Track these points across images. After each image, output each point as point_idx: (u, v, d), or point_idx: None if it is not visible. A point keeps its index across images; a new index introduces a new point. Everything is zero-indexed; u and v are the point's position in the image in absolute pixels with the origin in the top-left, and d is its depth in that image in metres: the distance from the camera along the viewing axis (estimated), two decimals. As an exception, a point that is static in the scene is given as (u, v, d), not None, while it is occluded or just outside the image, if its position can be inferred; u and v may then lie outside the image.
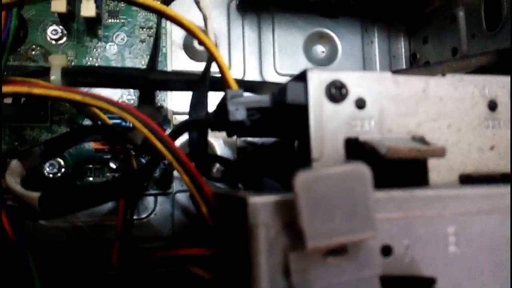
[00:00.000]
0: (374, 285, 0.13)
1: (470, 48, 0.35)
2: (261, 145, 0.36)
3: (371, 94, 0.18)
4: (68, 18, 0.35)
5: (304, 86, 0.18)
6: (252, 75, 0.40)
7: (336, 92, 0.18)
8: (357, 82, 0.18)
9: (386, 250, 0.14)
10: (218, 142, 0.36)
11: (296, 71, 0.42)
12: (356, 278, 0.13)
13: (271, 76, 0.41)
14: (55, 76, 0.28)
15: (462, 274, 0.14)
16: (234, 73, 0.40)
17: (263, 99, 0.20)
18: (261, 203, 0.13)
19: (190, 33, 0.22)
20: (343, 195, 0.12)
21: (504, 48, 0.27)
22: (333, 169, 0.12)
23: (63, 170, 0.33)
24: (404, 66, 0.45)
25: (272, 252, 0.13)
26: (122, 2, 0.35)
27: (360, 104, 0.18)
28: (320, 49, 0.43)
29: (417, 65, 0.44)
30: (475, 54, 0.25)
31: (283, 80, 0.41)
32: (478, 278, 0.14)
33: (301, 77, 0.19)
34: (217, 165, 0.34)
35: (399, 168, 0.18)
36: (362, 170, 0.13)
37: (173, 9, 0.37)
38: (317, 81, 0.18)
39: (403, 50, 0.45)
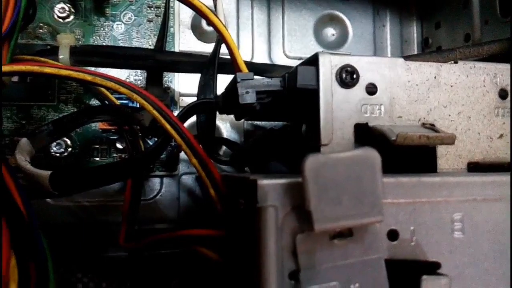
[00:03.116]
0: (380, 268, 0.14)
1: (483, 35, 0.35)
2: (269, 128, 0.36)
3: (383, 79, 0.18)
4: (76, -4, 0.35)
5: (315, 70, 0.18)
6: (261, 58, 0.40)
7: (347, 77, 0.18)
8: (368, 67, 0.18)
9: (392, 234, 0.14)
10: (225, 125, 0.37)
11: (305, 54, 0.42)
12: (362, 261, 0.13)
13: (280, 59, 0.40)
14: (63, 55, 0.28)
15: (466, 260, 0.14)
16: (242, 56, 0.40)
17: (273, 83, 0.20)
18: (270, 186, 0.13)
19: (200, 13, 0.21)
20: (351, 179, 0.12)
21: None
22: (342, 153, 0.12)
23: (69, 149, 0.33)
24: (415, 51, 0.44)
25: (280, 234, 0.13)
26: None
27: (371, 89, 0.18)
28: (330, 32, 0.42)
29: (428, 50, 0.43)
30: (487, 41, 0.24)
31: (291, 63, 0.40)
32: (481, 265, 0.15)
33: (312, 61, 0.18)
34: (223, 148, 0.34)
35: (408, 155, 0.18)
36: (372, 154, 0.13)
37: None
38: (328, 65, 0.18)
39: (415, 35, 0.44)
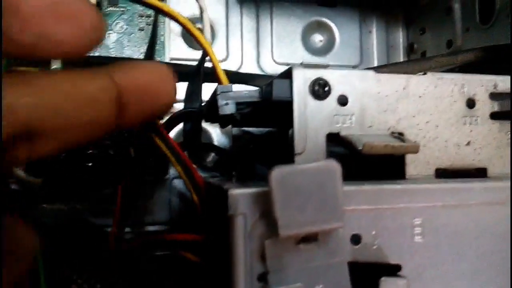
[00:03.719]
0: (343, 270, 0.15)
1: (464, 42, 0.36)
2: (256, 133, 0.37)
3: (353, 91, 0.19)
4: (69, 6, 0.36)
5: (289, 83, 0.19)
6: (250, 64, 0.41)
7: (320, 89, 0.19)
8: (340, 80, 0.19)
9: (355, 239, 0.15)
10: (214, 129, 0.38)
11: (293, 60, 0.43)
12: (326, 264, 0.14)
13: (269, 65, 0.41)
14: (56, 65, 0.29)
15: (425, 262, 0.16)
16: (232, 62, 0.41)
17: (252, 94, 0.21)
18: (240, 195, 0.14)
19: (186, 29, 0.22)
20: (314, 188, 0.13)
21: (490, 45, 0.27)
22: (305, 165, 0.14)
23: (62, 155, 0.34)
24: (401, 56, 0.45)
25: (250, 240, 0.14)
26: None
27: (342, 101, 0.19)
28: (318, 38, 0.43)
29: (414, 55, 0.44)
30: (462, 50, 0.25)
31: (280, 68, 0.42)
32: (440, 266, 0.16)
33: (287, 74, 0.19)
34: (212, 153, 0.35)
35: (378, 162, 0.19)
36: (333, 166, 0.14)
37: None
38: (302, 78, 0.19)
39: (401, 40, 0.45)
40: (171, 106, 0.16)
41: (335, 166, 0.14)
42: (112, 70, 0.14)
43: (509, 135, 0.21)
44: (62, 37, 0.12)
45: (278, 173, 0.13)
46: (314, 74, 0.19)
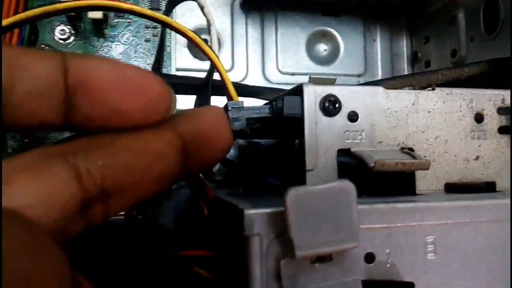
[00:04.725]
0: (357, 288, 0.15)
1: (468, 51, 0.36)
2: (263, 144, 0.37)
3: (363, 107, 0.20)
4: (76, 18, 0.36)
5: (300, 100, 0.19)
6: (255, 74, 0.41)
7: (330, 106, 0.19)
8: (350, 96, 0.20)
9: (369, 257, 0.15)
10: (220, 140, 0.38)
11: (298, 69, 0.43)
12: (341, 282, 0.15)
13: (274, 75, 0.42)
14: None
15: (438, 280, 0.16)
16: (237, 72, 0.41)
17: (262, 110, 0.21)
18: (256, 215, 0.14)
19: (194, 43, 0.23)
20: (329, 209, 0.14)
21: (496, 57, 0.27)
22: (320, 186, 0.14)
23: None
24: (405, 65, 0.45)
25: (265, 260, 0.14)
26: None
27: (353, 117, 0.19)
28: (322, 48, 0.43)
29: (418, 64, 0.44)
30: (468, 63, 0.26)
31: (285, 78, 0.42)
32: (452, 283, 0.16)
33: (297, 91, 0.20)
34: (218, 164, 0.35)
35: (390, 177, 0.19)
36: (347, 186, 0.14)
37: (179, 8, 0.38)
38: (312, 95, 0.19)
39: (404, 49, 0.45)
40: (229, 149, 0.16)
41: (349, 187, 0.14)
42: (174, 122, 0.15)
43: (517, 149, 0.21)
44: (129, 109, 0.13)
45: (293, 194, 0.14)
46: (324, 90, 0.19)
